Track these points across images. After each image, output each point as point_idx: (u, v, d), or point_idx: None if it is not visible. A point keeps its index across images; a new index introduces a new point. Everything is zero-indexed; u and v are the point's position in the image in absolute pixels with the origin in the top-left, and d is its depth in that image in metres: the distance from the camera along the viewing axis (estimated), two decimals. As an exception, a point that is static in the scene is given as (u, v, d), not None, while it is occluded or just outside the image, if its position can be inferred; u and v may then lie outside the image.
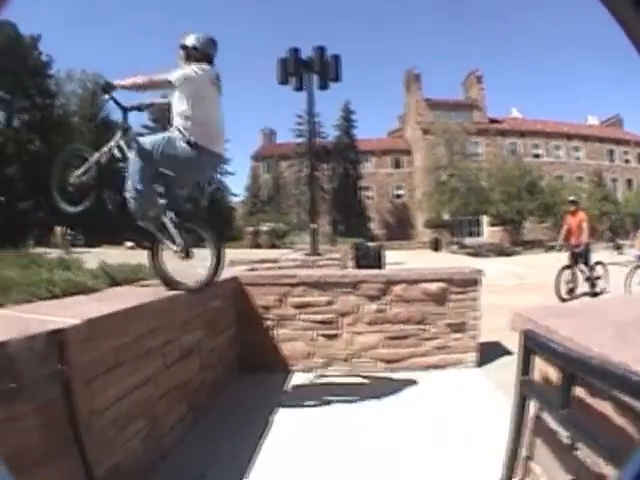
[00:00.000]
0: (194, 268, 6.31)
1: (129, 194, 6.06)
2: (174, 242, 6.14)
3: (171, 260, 6.32)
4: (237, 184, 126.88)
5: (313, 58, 17.03)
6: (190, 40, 6.40)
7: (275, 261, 13.46)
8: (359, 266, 14.67)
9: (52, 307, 4.67)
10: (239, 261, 12.57)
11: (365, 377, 7.98)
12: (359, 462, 5.06)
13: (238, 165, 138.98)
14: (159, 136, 6.19)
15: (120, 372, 4.47)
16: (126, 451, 4.47)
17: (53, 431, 3.50)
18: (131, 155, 6.15)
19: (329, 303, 8.34)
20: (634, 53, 1.43)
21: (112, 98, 6.09)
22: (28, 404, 3.27)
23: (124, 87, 6.02)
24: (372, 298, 8.39)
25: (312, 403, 6.82)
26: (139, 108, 6.66)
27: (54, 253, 7.59)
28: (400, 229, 78.45)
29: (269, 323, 8.39)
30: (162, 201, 6.26)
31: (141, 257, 6.87)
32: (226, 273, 7.44)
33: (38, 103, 60.36)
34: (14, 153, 57.46)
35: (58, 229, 34.39)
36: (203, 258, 6.18)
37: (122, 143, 6.32)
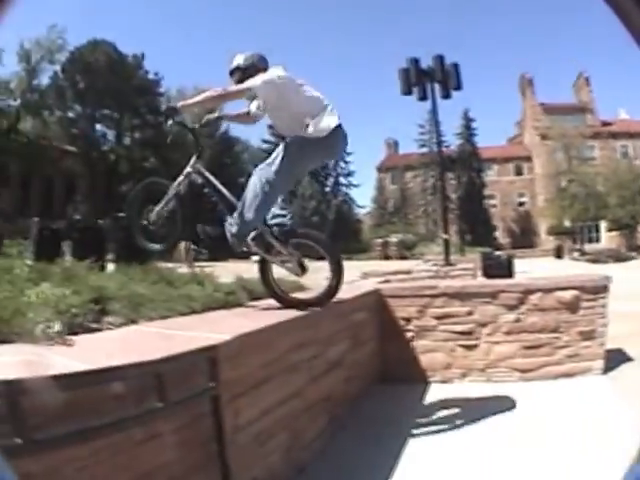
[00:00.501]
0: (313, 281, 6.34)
1: (234, 224, 5.88)
2: (284, 262, 6.07)
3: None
4: (363, 196, 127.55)
5: (433, 67, 16.94)
6: (242, 59, 6.22)
7: (408, 272, 13.35)
8: (488, 276, 14.39)
9: (195, 322, 4.73)
10: (372, 273, 12.52)
11: (500, 387, 7.73)
12: (500, 476, 4.88)
13: (363, 177, 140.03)
14: (280, 151, 5.90)
15: (266, 388, 4.40)
16: (265, 466, 4.38)
17: (194, 449, 3.44)
18: (251, 183, 5.84)
19: (469, 313, 8.19)
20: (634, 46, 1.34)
21: (178, 123, 6.01)
22: (171, 423, 3.21)
23: (196, 104, 6.03)
24: (510, 307, 8.20)
25: (450, 415, 6.63)
26: (207, 124, 6.69)
27: (179, 267, 7.61)
28: (524, 237, 77.38)
29: (409, 335, 8.29)
30: (273, 221, 6.08)
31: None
32: (365, 285, 7.42)
33: (149, 121, 61.50)
34: (128, 171, 59.00)
35: (182, 243, 35.12)
36: (323, 272, 6.08)
37: (200, 167, 6.16)
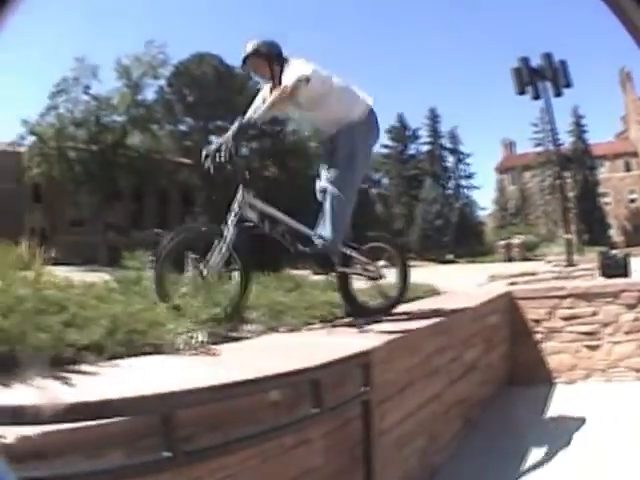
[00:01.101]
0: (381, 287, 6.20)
1: (325, 236, 5.57)
2: (365, 269, 5.98)
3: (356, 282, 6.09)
4: (484, 198, 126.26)
5: (543, 65, 16.85)
6: (261, 44, 5.83)
7: (533, 274, 13.32)
8: (607, 275, 14.16)
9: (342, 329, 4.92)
10: (499, 275, 12.61)
11: (620, 387, 7.77)
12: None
13: (482, 179, 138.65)
14: (339, 149, 5.74)
15: (409, 391, 4.53)
16: (402, 469, 4.47)
17: (342, 453, 3.56)
18: (326, 203, 5.63)
19: (593, 314, 8.24)
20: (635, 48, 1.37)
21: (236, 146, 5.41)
22: (322, 428, 3.32)
23: (268, 112, 5.61)
24: (630, 307, 8.22)
25: (575, 416, 6.55)
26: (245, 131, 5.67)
27: (308, 275, 7.70)
28: (637, 234, 75.22)
29: (538, 336, 8.39)
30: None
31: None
32: (495, 288, 7.51)
33: (266, 130, 61.99)
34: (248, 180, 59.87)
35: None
36: (391, 277, 6.15)
37: (252, 199, 5.51)
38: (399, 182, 74.65)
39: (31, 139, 53.73)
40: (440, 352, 5.35)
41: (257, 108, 5.72)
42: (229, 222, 5.29)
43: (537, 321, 8.38)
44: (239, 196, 5.46)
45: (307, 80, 5.52)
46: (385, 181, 79.15)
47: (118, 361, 3.28)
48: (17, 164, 52.68)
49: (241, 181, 5.54)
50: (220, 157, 5.31)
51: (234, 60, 63.63)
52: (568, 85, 17.05)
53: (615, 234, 76.12)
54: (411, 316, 5.77)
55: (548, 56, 17.01)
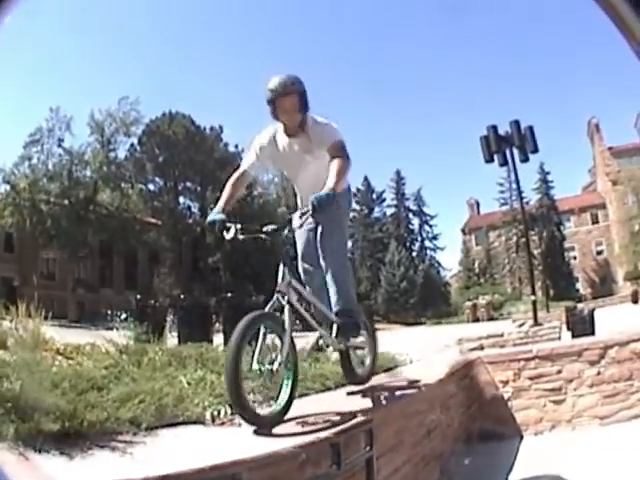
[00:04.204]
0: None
1: (348, 307, 5.31)
2: (362, 342, 5.82)
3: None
4: (449, 258, 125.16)
5: (510, 132, 17.45)
6: (298, 82, 5.22)
7: (501, 335, 13.81)
8: (573, 335, 14.63)
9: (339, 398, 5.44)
10: (467, 339, 13.06)
11: (584, 434, 8.35)
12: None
13: (447, 239, 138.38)
14: (331, 220, 5.22)
15: (398, 450, 5.18)
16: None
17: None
18: (336, 263, 5.34)
19: (558, 372, 8.88)
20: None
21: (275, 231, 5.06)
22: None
23: (342, 182, 5.01)
24: (592, 363, 8.87)
25: (543, 465, 7.14)
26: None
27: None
28: (603, 286, 75.58)
29: (506, 395, 8.98)
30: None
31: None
32: (463, 353, 8.06)
33: (235, 194, 61.74)
34: (214, 243, 59.78)
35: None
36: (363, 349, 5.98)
37: (294, 281, 4.98)
38: (364, 245, 74.48)
39: (4, 187, 53.06)
40: (421, 414, 6.02)
41: (330, 177, 4.81)
42: (285, 309, 4.62)
43: (505, 382, 8.99)
44: (284, 278, 4.83)
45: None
46: (349, 245, 77.96)
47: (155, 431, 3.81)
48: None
49: (284, 260, 4.93)
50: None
51: (204, 121, 63.56)
52: (535, 150, 17.49)
53: (582, 287, 76.62)
54: (391, 384, 6.36)
55: (516, 123, 17.49)
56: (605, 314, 28.53)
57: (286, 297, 4.66)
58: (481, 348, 10.68)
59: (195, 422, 4.14)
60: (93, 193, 55.47)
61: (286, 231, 5.22)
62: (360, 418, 4.34)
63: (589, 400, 8.76)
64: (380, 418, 4.62)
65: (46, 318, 7.03)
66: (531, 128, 17.56)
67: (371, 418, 4.37)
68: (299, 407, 4.60)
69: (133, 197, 59.32)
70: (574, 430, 8.62)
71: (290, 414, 4.30)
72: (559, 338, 13.33)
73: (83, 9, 72.46)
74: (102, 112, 56.56)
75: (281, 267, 4.80)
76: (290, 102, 5.09)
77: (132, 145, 61.32)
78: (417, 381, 6.66)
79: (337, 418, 4.34)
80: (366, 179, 76.64)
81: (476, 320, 43.69)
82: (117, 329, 13.79)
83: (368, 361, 5.97)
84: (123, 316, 17.64)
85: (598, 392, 8.76)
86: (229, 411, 4.23)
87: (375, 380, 6.37)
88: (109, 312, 31.24)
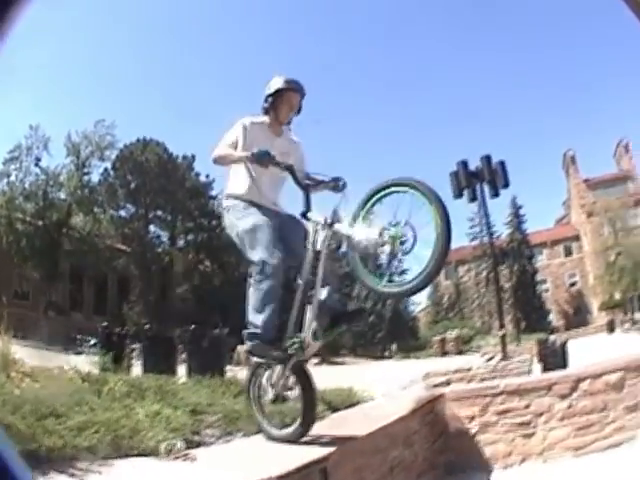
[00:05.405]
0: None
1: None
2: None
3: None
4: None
5: (481, 168, 17.39)
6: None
7: (469, 370, 13.73)
8: (546, 368, 14.53)
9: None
10: (434, 373, 12.98)
11: (557, 466, 8.24)
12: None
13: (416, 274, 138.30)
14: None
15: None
16: None
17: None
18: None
19: (527, 406, 8.69)
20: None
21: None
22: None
23: None
24: (563, 397, 8.68)
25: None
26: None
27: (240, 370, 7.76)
28: (577, 316, 75.99)
29: (473, 430, 8.79)
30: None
31: (340, 378, 6.93)
32: (429, 389, 7.95)
33: (203, 224, 61.54)
34: (183, 273, 59.43)
35: (239, 347, 35.03)
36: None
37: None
38: (331, 280, 74.55)
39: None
40: (382, 451, 5.79)
41: None
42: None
43: (471, 417, 8.81)
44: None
45: None
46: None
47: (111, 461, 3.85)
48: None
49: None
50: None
51: (177, 149, 63.32)
52: (506, 185, 17.42)
53: (555, 319, 76.90)
54: (354, 422, 6.31)
55: (487, 158, 17.50)
56: (579, 345, 28.68)
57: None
58: (448, 383, 10.57)
59: (150, 454, 4.19)
60: (66, 216, 55.07)
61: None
62: (314, 456, 4.16)
63: (561, 433, 8.58)
64: (336, 456, 4.40)
65: (16, 337, 6.96)
66: (502, 163, 17.52)
67: (326, 456, 4.16)
68: (250, 445, 4.75)
69: (104, 223, 58.96)
70: (546, 462, 8.43)
71: (242, 452, 4.44)
72: (529, 372, 13.22)
73: (67, 26, 73.42)
74: (79, 134, 56.30)
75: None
76: (297, 100, 5.47)
77: (106, 170, 61.03)
78: (379, 417, 6.57)
79: (289, 457, 4.15)
80: (335, 213, 76.59)
81: (445, 354, 43.73)
82: (86, 354, 13.70)
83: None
84: (92, 342, 17.52)
85: (570, 425, 8.59)
86: (184, 445, 4.30)
87: (335, 417, 6.51)
88: (79, 337, 31.09)
